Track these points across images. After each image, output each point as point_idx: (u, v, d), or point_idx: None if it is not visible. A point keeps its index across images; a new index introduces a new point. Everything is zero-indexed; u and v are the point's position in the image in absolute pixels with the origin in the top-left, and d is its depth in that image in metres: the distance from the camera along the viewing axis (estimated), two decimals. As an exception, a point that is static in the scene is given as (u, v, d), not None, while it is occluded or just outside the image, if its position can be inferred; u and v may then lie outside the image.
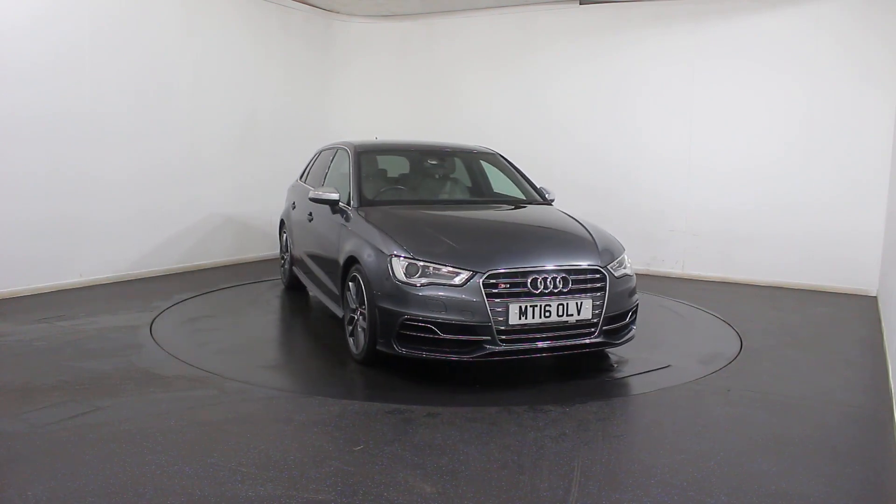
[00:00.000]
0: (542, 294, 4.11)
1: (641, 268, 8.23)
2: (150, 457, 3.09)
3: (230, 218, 8.34)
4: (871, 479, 3.16)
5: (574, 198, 7.54)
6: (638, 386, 4.36)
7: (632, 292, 4.58)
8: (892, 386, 4.30)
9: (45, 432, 3.34)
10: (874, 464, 3.31)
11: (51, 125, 6.30)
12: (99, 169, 6.75)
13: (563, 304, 4.14)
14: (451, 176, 5.99)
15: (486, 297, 4.03)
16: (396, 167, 6.02)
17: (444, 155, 6.06)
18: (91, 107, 6.63)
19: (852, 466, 3.24)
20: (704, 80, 7.97)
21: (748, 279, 7.87)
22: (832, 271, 7.44)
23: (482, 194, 5.89)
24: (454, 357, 4.08)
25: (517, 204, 5.55)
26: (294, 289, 6.82)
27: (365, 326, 4.38)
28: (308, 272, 6.00)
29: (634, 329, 4.65)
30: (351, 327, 4.66)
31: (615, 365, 4.73)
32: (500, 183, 5.98)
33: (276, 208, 8.45)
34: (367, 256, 4.43)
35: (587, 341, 4.28)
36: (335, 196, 5.18)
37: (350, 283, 4.63)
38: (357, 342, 4.55)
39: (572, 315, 4.18)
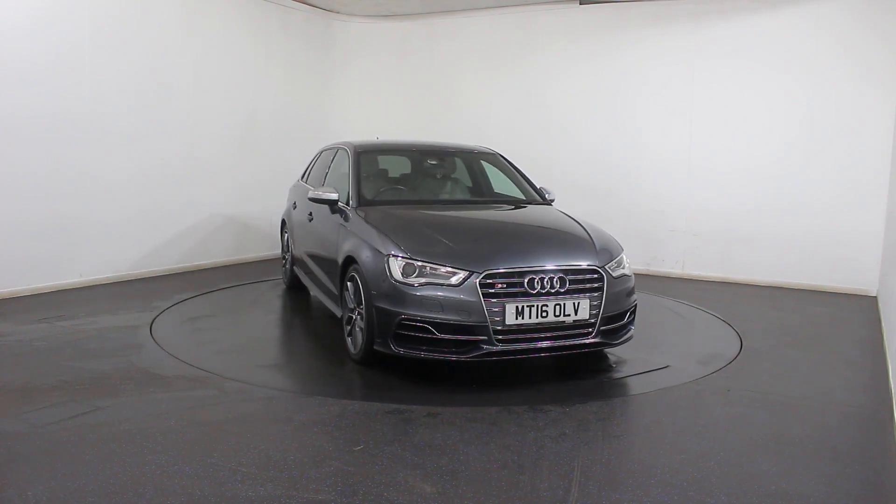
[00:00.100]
0: (539, 294, 4.11)
1: (641, 268, 8.24)
2: (150, 457, 3.09)
3: (230, 218, 8.34)
4: (871, 479, 3.16)
5: (574, 198, 7.55)
6: (638, 386, 4.35)
7: (630, 292, 4.57)
8: (892, 386, 4.30)
9: (45, 432, 3.34)
10: (874, 464, 3.31)
11: (51, 125, 6.30)
12: (99, 169, 6.75)
13: (560, 304, 4.14)
14: (451, 176, 5.98)
15: (483, 297, 4.03)
16: (396, 167, 6.02)
17: (444, 155, 6.06)
18: (91, 107, 6.63)
19: (852, 466, 3.24)
20: (704, 80, 7.97)
21: (748, 279, 7.87)
22: (832, 271, 7.44)
23: (482, 194, 5.89)
24: (450, 357, 4.08)
25: (517, 204, 5.54)
26: (295, 289, 6.82)
27: (363, 326, 4.38)
28: (308, 272, 6.00)
29: (633, 329, 4.65)
30: (349, 327, 4.66)
31: (614, 365, 4.73)
32: (500, 183, 5.98)
33: (276, 208, 8.46)
34: (364, 256, 4.43)
35: (585, 341, 4.28)
36: (334, 196, 5.19)
37: (348, 283, 4.63)
38: (355, 342, 4.56)
39: (569, 315, 4.18)
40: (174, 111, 7.49)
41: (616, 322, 4.44)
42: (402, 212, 4.95)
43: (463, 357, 4.07)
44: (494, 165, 6.05)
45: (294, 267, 6.62)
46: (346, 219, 5.00)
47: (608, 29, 8.47)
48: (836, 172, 7.38)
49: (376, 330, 4.24)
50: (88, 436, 3.31)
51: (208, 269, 7.95)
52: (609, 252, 4.54)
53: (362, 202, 5.10)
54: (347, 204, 5.13)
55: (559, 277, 4.17)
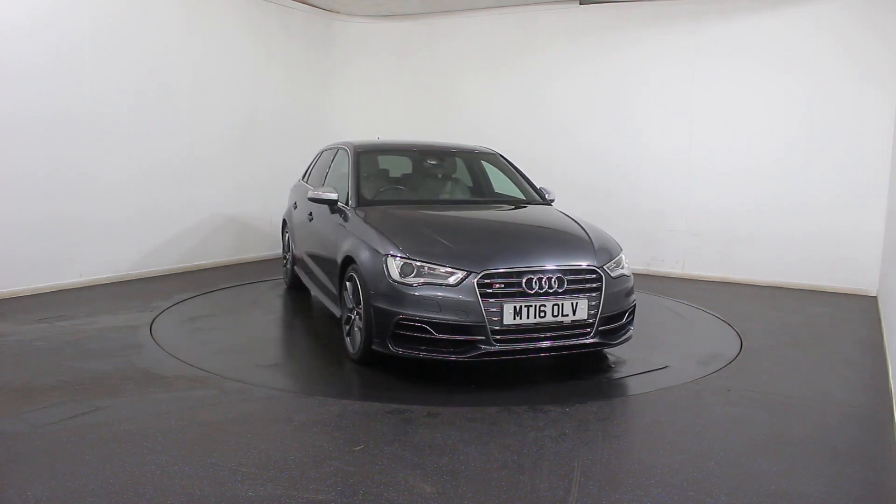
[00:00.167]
0: (537, 294, 4.11)
1: (641, 268, 8.24)
2: (150, 457, 3.09)
3: (230, 218, 8.34)
4: (871, 479, 3.16)
5: (574, 198, 7.55)
6: (638, 386, 4.35)
7: (629, 292, 4.57)
8: (892, 386, 4.30)
9: (45, 432, 3.34)
10: (874, 464, 3.31)
11: (51, 125, 6.30)
12: (99, 169, 6.75)
13: (558, 305, 4.14)
14: (451, 176, 5.99)
15: (481, 297, 4.03)
16: (396, 167, 6.02)
17: (444, 155, 6.06)
18: (91, 107, 6.63)
19: (852, 466, 3.24)
20: (704, 80, 7.97)
21: (748, 279, 7.87)
22: (832, 271, 7.44)
23: (482, 194, 5.89)
24: (448, 357, 4.08)
25: (517, 204, 5.54)
26: (296, 288, 6.82)
27: (361, 326, 4.38)
28: (308, 272, 6.01)
29: (632, 329, 4.65)
30: (348, 327, 4.66)
31: (613, 365, 4.72)
32: (500, 183, 5.98)
33: (276, 208, 8.46)
34: (363, 256, 4.43)
35: (583, 342, 4.27)
36: (333, 196, 5.19)
37: (347, 283, 4.63)
38: (354, 342, 4.56)
39: (567, 315, 4.18)
40: (174, 111, 7.49)
41: (615, 322, 4.43)
42: (401, 212, 4.95)
43: (461, 357, 4.07)
44: (494, 165, 6.05)
45: (295, 267, 6.63)
46: (345, 219, 5.00)
47: (608, 29, 8.47)
48: (836, 172, 7.38)
49: (374, 330, 4.24)
50: (88, 436, 3.31)
51: (208, 269, 7.95)
52: (608, 252, 4.53)
53: (361, 202, 5.10)
54: (347, 204, 5.13)
55: (557, 277, 4.17)
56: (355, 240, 4.65)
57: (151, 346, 4.88)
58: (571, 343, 4.25)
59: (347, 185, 5.31)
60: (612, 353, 4.89)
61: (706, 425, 3.70)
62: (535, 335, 4.14)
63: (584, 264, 4.32)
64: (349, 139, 6.25)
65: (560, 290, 4.16)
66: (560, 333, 4.21)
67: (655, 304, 6.66)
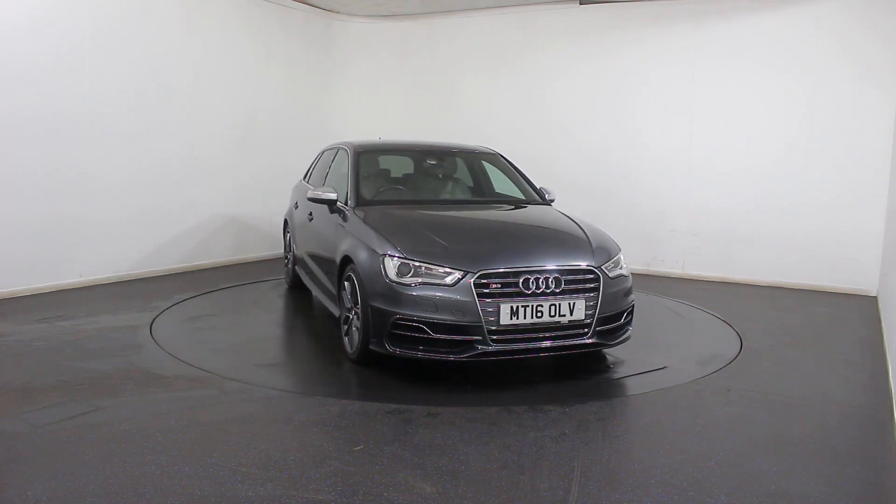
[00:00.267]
0: (534, 294, 4.10)
1: (641, 268, 8.24)
2: (150, 457, 3.09)
3: (230, 218, 8.34)
4: (871, 479, 3.16)
5: (574, 198, 7.55)
6: (638, 386, 4.35)
7: (627, 293, 4.56)
8: (892, 386, 4.30)
9: (45, 432, 3.34)
10: (874, 464, 3.31)
11: (51, 125, 6.30)
12: (99, 169, 6.75)
13: (555, 305, 4.14)
14: (451, 176, 5.98)
15: (478, 298, 4.02)
16: (396, 167, 6.02)
17: (444, 155, 6.06)
18: (91, 107, 6.63)
19: (852, 466, 3.24)
20: (704, 80, 7.97)
21: (748, 279, 7.87)
22: (832, 271, 7.44)
23: (482, 194, 5.89)
24: (445, 357, 4.08)
25: (516, 204, 5.54)
26: (297, 288, 6.82)
27: (359, 326, 4.39)
28: (308, 272, 6.01)
29: (631, 330, 4.64)
30: (346, 327, 4.66)
31: (611, 366, 4.72)
32: (500, 183, 5.98)
33: (276, 208, 8.46)
34: (361, 256, 4.43)
35: (581, 342, 4.27)
36: (333, 196, 5.19)
37: (346, 283, 4.63)
38: (352, 341, 4.56)
39: (565, 315, 4.17)
40: (174, 111, 7.49)
41: (613, 322, 4.43)
42: (399, 212, 4.95)
43: (458, 357, 4.07)
44: (494, 165, 6.05)
45: (296, 267, 6.63)
46: (344, 219, 5.01)
47: (608, 29, 8.47)
48: (836, 172, 7.38)
49: (372, 329, 4.24)
50: (88, 436, 3.31)
51: (208, 269, 7.95)
52: (606, 252, 4.53)
53: (360, 202, 5.10)
54: (346, 204, 5.13)
55: (554, 278, 4.17)
56: (353, 240, 4.65)
57: (151, 346, 4.88)
58: (569, 343, 4.25)
59: (347, 184, 5.32)
60: (612, 353, 4.89)
61: (706, 425, 3.70)
62: (532, 335, 4.14)
63: (581, 264, 4.32)
64: (350, 139, 6.25)
65: (557, 291, 4.16)
66: (557, 334, 4.20)
67: (655, 304, 6.66)
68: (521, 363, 4.66)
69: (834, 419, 3.89)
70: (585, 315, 4.23)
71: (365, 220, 4.72)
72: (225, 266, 8.14)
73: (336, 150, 6.15)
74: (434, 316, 4.03)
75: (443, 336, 4.05)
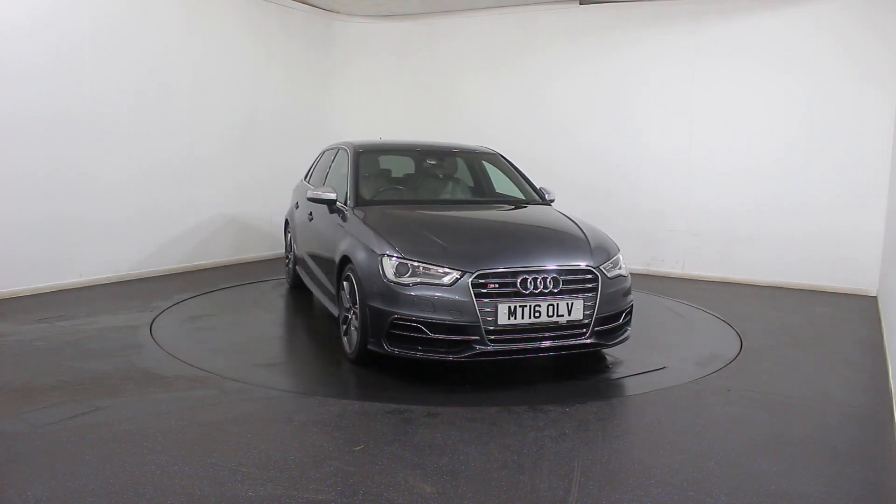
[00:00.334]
0: (532, 294, 4.10)
1: (641, 268, 8.24)
2: (150, 457, 3.09)
3: (230, 218, 8.34)
4: (871, 479, 3.16)
5: (574, 198, 7.55)
6: (638, 386, 4.35)
7: (626, 293, 4.55)
8: (892, 386, 4.30)
9: (45, 432, 3.34)
10: (874, 464, 3.31)
11: (51, 125, 6.30)
12: (99, 169, 6.75)
13: (553, 305, 4.13)
14: (451, 176, 5.98)
15: (475, 297, 4.02)
16: (395, 167, 6.02)
17: (444, 155, 6.06)
18: (91, 107, 6.63)
19: (852, 466, 3.24)
20: (704, 80, 7.97)
21: (748, 279, 7.87)
22: (832, 271, 7.44)
23: (482, 195, 5.89)
24: (443, 357, 4.08)
25: (516, 204, 5.54)
26: (298, 288, 6.82)
27: (357, 326, 4.39)
28: (308, 271, 6.01)
29: (629, 330, 4.64)
30: (345, 326, 4.66)
31: (610, 366, 4.72)
32: (500, 183, 5.98)
33: (276, 208, 8.46)
34: (359, 256, 4.44)
35: (579, 342, 4.26)
36: (332, 196, 5.20)
37: (344, 283, 4.63)
38: (350, 341, 4.56)
39: (563, 315, 4.16)
40: (174, 111, 7.49)
41: (611, 323, 4.42)
42: (398, 212, 4.95)
43: (455, 357, 4.06)
44: (495, 165, 6.05)
45: (296, 266, 6.64)
46: (343, 219, 5.01)
47: (608, 29, 8.47)
48: (836, 172, 7.38)
49: (370, 329, 4.24)
50: (88, 436, 3.31)
51: (208, 269, 7.95)
52: (605, 252, 4.52)
53: (360, 202, 5.10)
54: (346, 204, 5.13)
55: (552, 278, 4.16)
56: (352, 240, 4.66)
57: (151, 346, 4.88)
58: (567, 343, 4.24)
59: (346, 184, 5.32)
60: (612, 353, 4.89)
61: (706, 425, 3.70)
62: (530, 335, 4.13)
63: (579, 264, 4.31)
64: (351, 139, 6.25)
65: (555, 291, 4.15)
66: (556, 334, 4.19)
67: (655, 304, 6.66)
68: (521, 363, 4.66)
69: (834, 419, 3.89)
70: (584, 315, 4.23)
71: (364, 220, 4.72)
72: (225, 266, 8.14)
73: (336, 149, 6.15)
74: (432, 316, 4.03)
75: (441, 336, 4.05)
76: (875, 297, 7.18)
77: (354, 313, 4.44)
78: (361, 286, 4.30)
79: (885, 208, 6.98)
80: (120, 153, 6.94)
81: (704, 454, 3.30)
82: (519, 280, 4.10)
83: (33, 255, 6.26)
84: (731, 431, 3.61)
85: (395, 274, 4.16)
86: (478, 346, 4.04)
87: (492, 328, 4.04)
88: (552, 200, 5.68)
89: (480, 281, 4.06)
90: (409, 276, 4.13)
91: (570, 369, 4.64)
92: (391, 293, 4.12)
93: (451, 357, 4.07)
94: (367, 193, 5.26)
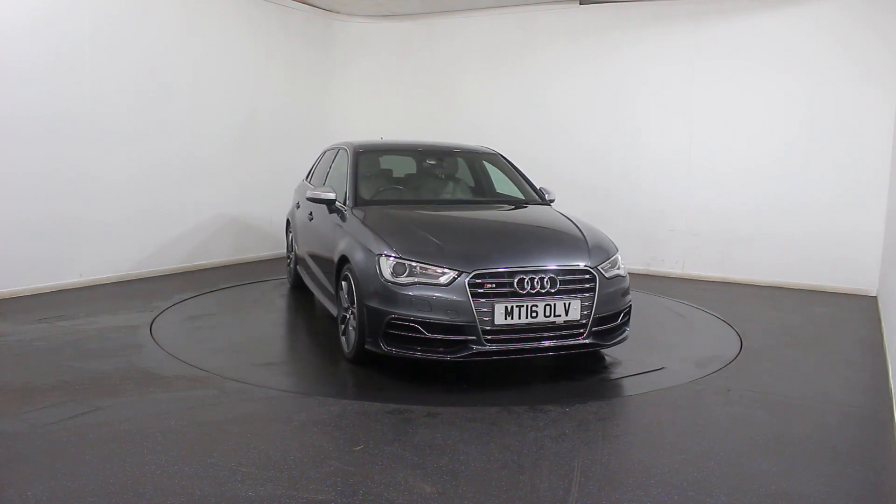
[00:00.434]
0: (529, 294, 4.10)
1: (641, 268, 8.24)
2: (150, 457, 3.09)
3: (230, 218, 8.34)
4: (871, 479, 3.16)
5: (574, 198, 7.55)
6: (638, 386, 4.35)
7: (624, 293, 4.54)
8: (892, 386, 4.30)
9: (45, 432, 3.34)
10: (874, 464, 3.31)
11: (51, 125, 6.30)
12: (99, 169, 6.75)
13: (550, 305, 4.12)
14: (452, 176, 5.98)
15: (472, 297, 4.02)
16: (396, 167, 6.02)
17: (444, 155, 6.06)
18: (91, 107, 6.63)
19: (852, 466, 3.24)
20: (704, 80, 7.97)
21: (748, 279, 7.87)
22: (832, 271, 7.44)
23: (482, 195, 5.89)
24: (440, 357, 4.08)
25: (516, 204, 5.54)
26: (299, 288, 6.82)
27: (355, 325, 4.39)
28: (309, 271, 6.02)
29: (628, 330, 4.63)
30: (343, 326, 4.67)
31: (608, 366, 4.72)
32: (500, 183, 5.98)
33: (276, 208, 8.46)
34: (357, 256, 4.44)
35: (576, 342, 4.25)
36: (331, 196, 5.20)
37: (343, 283, 4.64)
38: (349, 341, 4.56)
39: (560, 316, 4.16)
40: (174, 111, 7.49)
41: (609, 323, 4.41)
42: (396, 212, 4.95)
43: (453, 357, 4.06)
44: (495, 165, 6.05)
45: (297, 266, 6.64)
46: (342, 218, 5.01)
47: (608, 29, 8.47)
48: (836, 172, 7.38)
49: (367, 329, 4.25)
50: (88, 436, 3.31)
51: (208, 269, 7.95)
52: (603, 252, 4.52)
53: (359, 202, 5.10)
54: (345, 204, 5.14)
55: (550, 278, 4.16)
56: (351, 239, 4.66)
57: (151, 346, 4.88)
58: (565, 344, 4.23)
59: (346, 184, 5.32)
60: (612, 353, 4.89)
61: (706, 425, 3.70)
62: (527, 335, 4.13)
63: (577, 264, 4.30)
64: (352, 139, 6.25)
65: (553, 291, 4.15)
66: (553, 334, 4.19)
67: (655, 304, 6.66)
68: (521, 363, 4.66)
69: (834, 419, 3.89)
70: (581, 315, 4.22)
71: (362, 220, 4.73)
72: (225, 266, 8.14)
73: (337, 149, 6.16)
74: (429, 316, 4.03)
75: (437, 336, 4.05)
76: (875, 297, 7.18)
77: (352, 313, 4.44)
78: (359, 286, 4.30)
79: (885, 208, 6.98)
80: (120, 153, 6.94)
81: (704, 454, 3.30)
82: (516, 280, 4.10)
83: (33, 255, 6.26)
84: (731, 431, 3.61)
85: (392, 274, 4.16)
86: (474, 346, 4.04)
87: (488, 328, 4.03)
88: (552, 200, 5.68)
89: (477, 281, 4.05)
90: (406, 276, 4.13)
91: (570, 369, 4.63)
92: (388, 293, 4.12)
93: (448, 357, 4.07)
94: (366, 193, 5.26)
